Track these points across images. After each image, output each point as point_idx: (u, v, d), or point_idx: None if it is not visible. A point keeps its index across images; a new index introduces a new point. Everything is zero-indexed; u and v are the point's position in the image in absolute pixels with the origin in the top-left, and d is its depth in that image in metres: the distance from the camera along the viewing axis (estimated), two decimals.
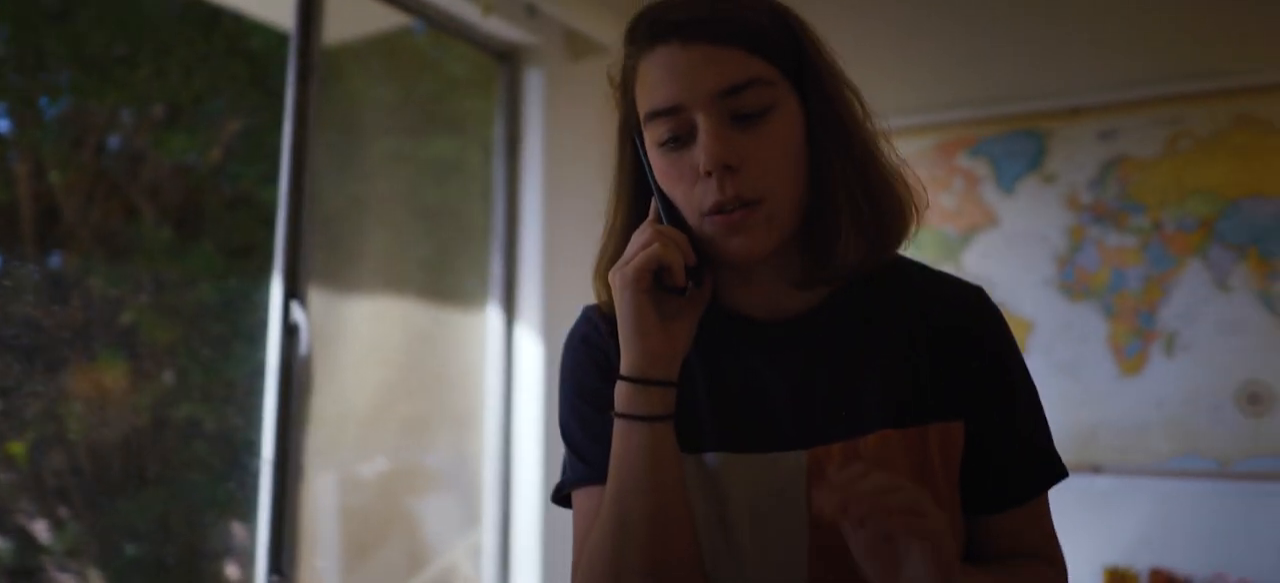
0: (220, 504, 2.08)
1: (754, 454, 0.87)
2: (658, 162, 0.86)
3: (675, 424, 0.88)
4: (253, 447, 1.96)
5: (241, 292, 2.18)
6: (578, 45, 2.75)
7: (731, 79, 0.81)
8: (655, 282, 0.85)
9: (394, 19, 2.46)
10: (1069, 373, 2.51)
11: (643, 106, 0.86)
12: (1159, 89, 2.50)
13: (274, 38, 2.29)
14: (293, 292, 1.95)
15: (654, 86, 0.84)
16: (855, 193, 0.85)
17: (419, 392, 2.47)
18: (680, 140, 0.84)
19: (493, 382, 2.60)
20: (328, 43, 2.19)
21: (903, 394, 0.86)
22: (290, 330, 1.94)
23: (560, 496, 0.95)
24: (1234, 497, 2.29)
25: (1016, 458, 0.88)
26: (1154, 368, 2.43)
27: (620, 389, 0.86)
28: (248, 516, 1.96)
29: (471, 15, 2.42)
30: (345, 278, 2.23)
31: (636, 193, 0.91)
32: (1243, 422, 2.34)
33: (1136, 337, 2.46)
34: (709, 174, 0.82)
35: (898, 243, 0.89)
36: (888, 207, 0.87)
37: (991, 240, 2.65)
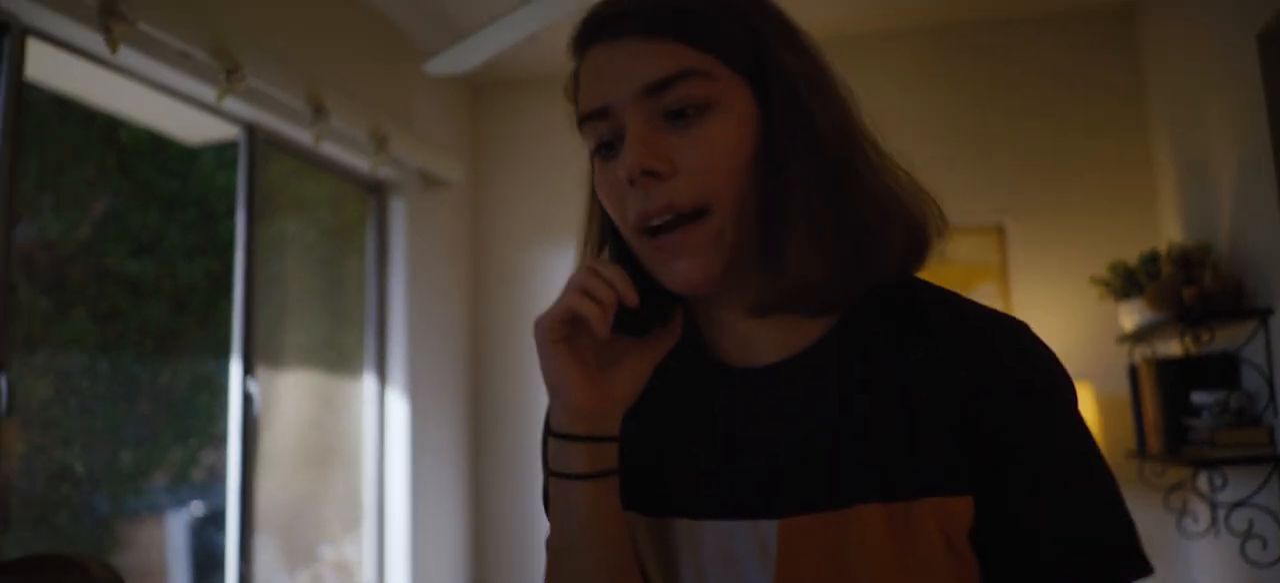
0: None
1: (717, 521, 0.75)
2: (596, 175, 0.77)
3: (631, 481, 0.79)
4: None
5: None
6: (428, 180, 3.59)
7: (658, 73, 0.71)
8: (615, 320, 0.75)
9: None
10: None
11: (578, 114, 0.77)
12: None
13: (141, 134, 2.78)
14: (248, 369, 2.74)
15: (584, 91, 0.76)
16: (814, 205, 0.72)
17: (325, 432, 3.26)
18: (612, 148, 0.75)
19: (370, 431, 3.42)
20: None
21: (893, 460, 0.70)
22: (247, 398, 2.73)
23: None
24: None
25: (1051, 545, 0.68)
26: None
27: (551, 445, 0.77)
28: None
29: (350, 159, 3.22)
30: (271, 357, 3.00)
31: (603, 212, 0.80)
32: None
33: None
34: (633, 183, 0.72)
35: (879, 267, 0.73)
36: (865, 223, 0.73)
37: None
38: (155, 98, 2.51)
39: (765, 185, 0.73)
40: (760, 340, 0.78)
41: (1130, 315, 2.97)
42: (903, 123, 3.16)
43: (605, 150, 0.75)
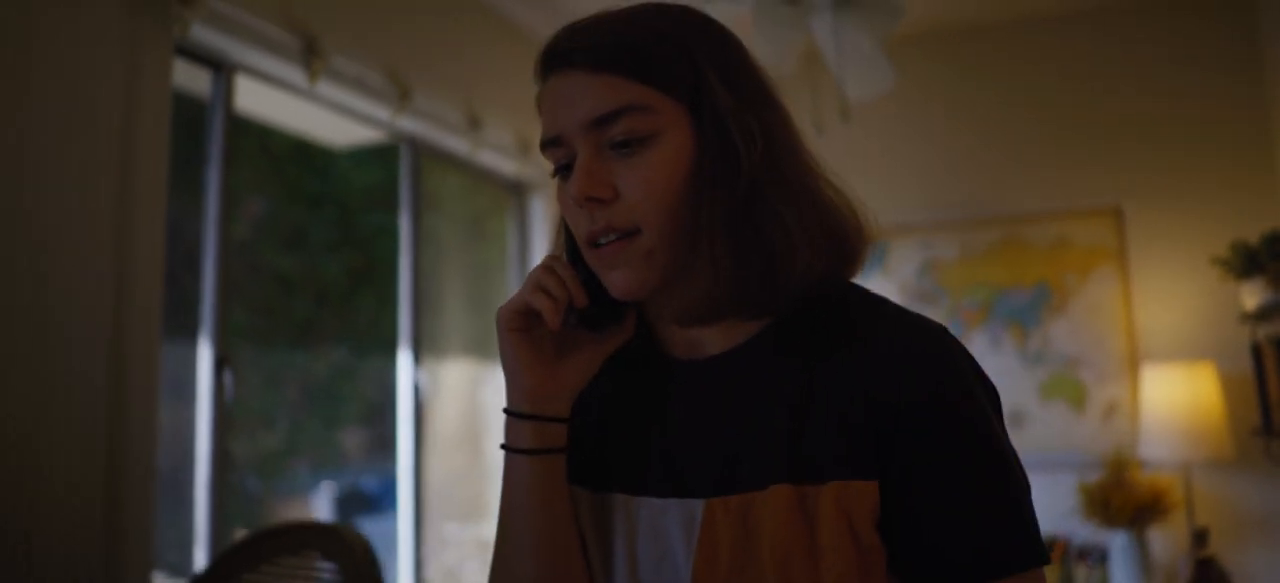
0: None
1: (650, 498, 0.83)
2: (557, 192, 0.85)
3: (580, 458, 0.89)
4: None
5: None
6: None
7: (602, 108, 0.78)
8: (569, 314, 0.85)
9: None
10: None
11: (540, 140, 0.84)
12: (956, 215, 3.76)
13: (289, 141, 3.03)
14: (417, 360, 3.03)
15: (543, 119, 0.83)
16: (718, 232, 0.79)
17: (474, 415, 3.56)
18: (568, 169, 0.82)
19: None
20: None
21: (807, 447, 0.77)
22: (416, 387, 3.03)
23: None
24: None
25: (955, 530, 0.75)
26: None
27: (505, 421, 0.86)
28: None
29: (492, 162, 3.49)
30: (430, 347, 3.29)
31: None
32: (1011, 433, 3.58)
33: None
34: (579, 206, 0.80)
35: (796, 280, 0.79)
36: (777, 245, 0.79)
37: None
38: (312, 110, 2.76)
39: (689, 210, 0.80)
40: (704, 337, 0.87)
41: (1252, 295, 3.02)
42: (1023, 109, 3.29)
43: (563, 172, 0.83)
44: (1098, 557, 3.32)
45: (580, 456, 0.90)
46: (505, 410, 0.86)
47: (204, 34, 2.19)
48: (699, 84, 0.80)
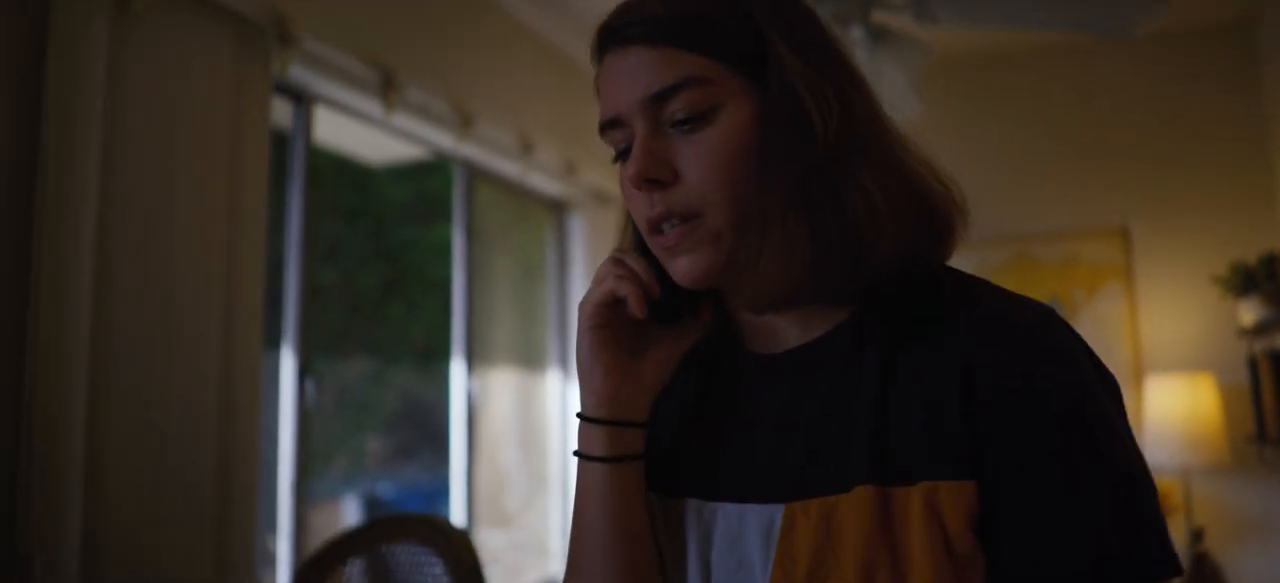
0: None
1: (726, 504, 0.78)
2: (620, 178, 0.78)
3: (649, 463, 0.83)
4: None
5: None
6: (602, 197, 4.00)
7: (659, 83, 0.73)
8: (649, 308, 0.78)
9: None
10: None
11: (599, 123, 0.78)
12: (970, 234, 3.95)
13: (330, 158, 3.16)
14: (470, 369, 3.26)
15: (601, 100, 0.78)
16: (790, 210, 0.72)
17: (523, 418, 3.75)
18: (628, 153, 0.77)
19: (555, 412, 3.90)
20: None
21: (893, 445, 0.70)
22: (469, 394, 3.25)
23: None
24: None
25: (1067, 536, 0.66)
26: None
27: (578, 427, 0.81)
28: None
29: (539, 183, 3.72)
30: (481, 357, 3.50)
31: None
32: None
33: None
34: (639, 189, 0.75)
35: (882, 259, 0.72)
36: (858, 221, 0.72)
37: None
38: (353, 128, 2.93)
39: (758, 187, 0.74)
40: (783, 329, 0.80)
41: (1249, 311, 3.23)
42: (1033, 133, 3.56)
43: (623, 156, 0.78)
44: None
45: (651, 459, 0.83)
46: (579, 416, 0.81)
47: (294, 70, 2.40)
48: (765, 52, 0.74)
